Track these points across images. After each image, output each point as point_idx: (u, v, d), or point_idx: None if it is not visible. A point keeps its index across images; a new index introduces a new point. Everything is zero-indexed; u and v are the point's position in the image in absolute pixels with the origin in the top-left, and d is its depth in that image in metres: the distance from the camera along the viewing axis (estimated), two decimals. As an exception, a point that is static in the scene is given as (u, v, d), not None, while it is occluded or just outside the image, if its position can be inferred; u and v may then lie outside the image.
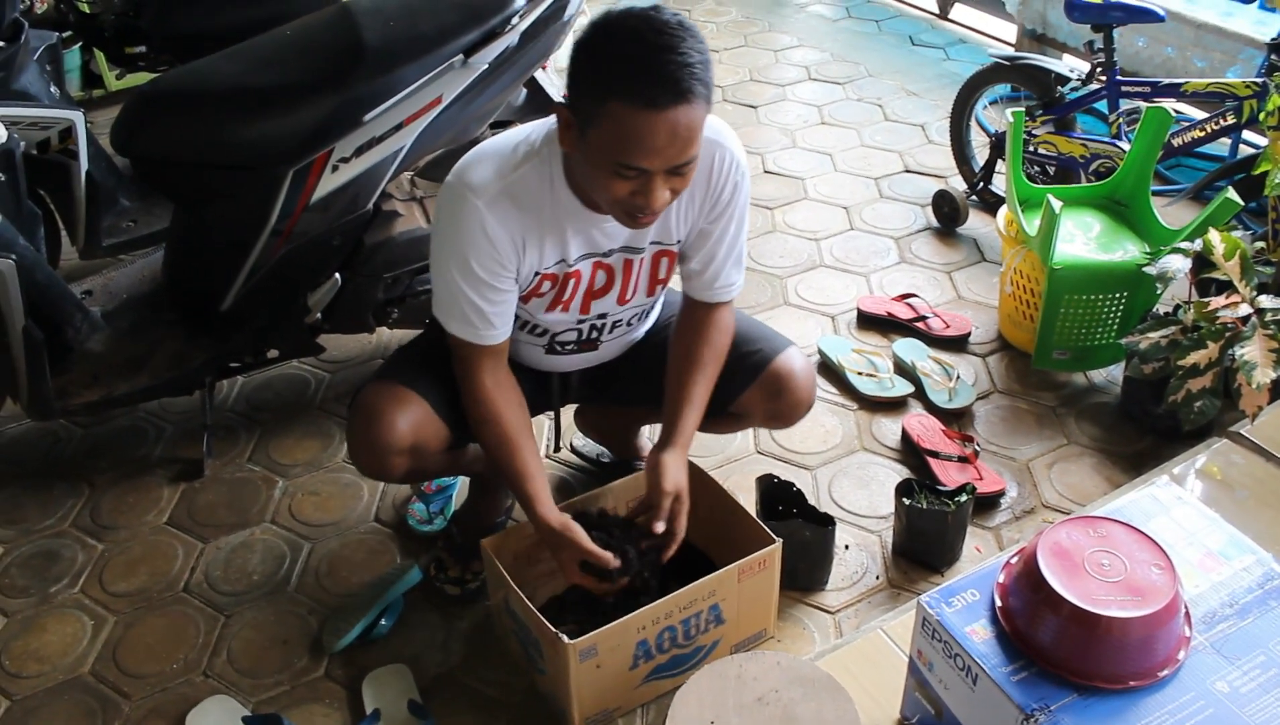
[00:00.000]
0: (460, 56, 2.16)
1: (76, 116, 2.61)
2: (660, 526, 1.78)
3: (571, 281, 1.79)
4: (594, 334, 1.92)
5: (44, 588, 2.19)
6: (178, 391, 2.45)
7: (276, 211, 2.18)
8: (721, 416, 2.03)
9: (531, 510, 1.77)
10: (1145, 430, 2.49)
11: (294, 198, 2.18)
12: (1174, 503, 1.67)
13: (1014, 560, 1.53)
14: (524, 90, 2.54)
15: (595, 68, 1.50)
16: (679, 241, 1.83)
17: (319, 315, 2.40)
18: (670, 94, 1.46)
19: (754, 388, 1.94)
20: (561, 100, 1.58)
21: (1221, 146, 3.26)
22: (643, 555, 1.79)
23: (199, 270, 2.39)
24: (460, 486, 2.34)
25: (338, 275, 2.34)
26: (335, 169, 2.19)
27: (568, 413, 2.31)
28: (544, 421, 2.47)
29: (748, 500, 2.08)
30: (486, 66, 2.22)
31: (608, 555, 1.73)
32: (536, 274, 1.75)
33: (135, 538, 2.31)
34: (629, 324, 1.95)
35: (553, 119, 1.65)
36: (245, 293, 2.31)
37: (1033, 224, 2.57)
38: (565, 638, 1.66)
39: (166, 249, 2.50)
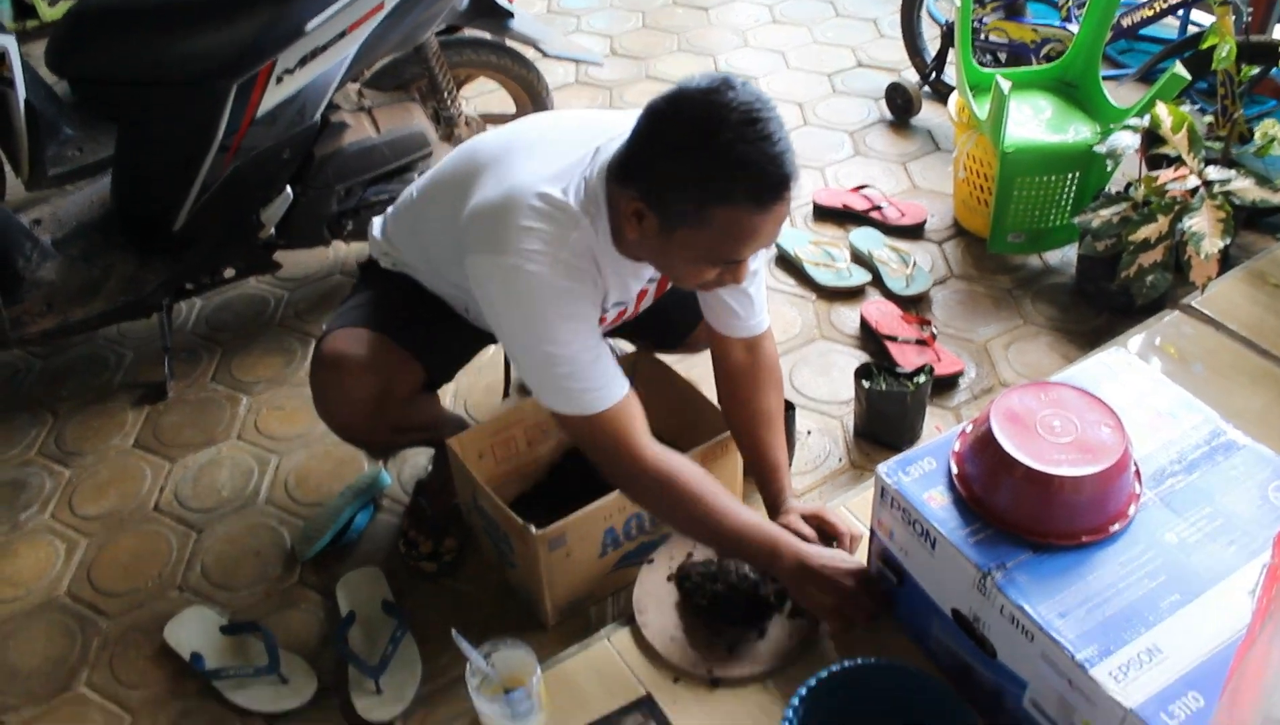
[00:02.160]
0: (401, -41, 2.12)
1: (8, 41, 2.54)
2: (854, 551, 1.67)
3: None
4: None
5: (13, 515, 2.20)
6: (135, 315, 2.43)
7: (222, 127, 2.15)
8: (677, 347, 2.06)
9: (788, 554, 1.56)
10: (1100, 308, 2.52)
11: (239, 112, 2.15)
12: (1123, 368, 1.70)
13: (969, 429, 1.56)
14: (468, -8, 2.50)
15: (684, 172, 1.37)
16: None
17: (273, 231, 2.39)
18: (780, 189, 1.38)
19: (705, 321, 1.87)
20: (630, 194, 1.44)
21: (1171, 30, 3.26)
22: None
23: (147, 192, 2.36)
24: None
25: (289, 189, 2.33)
26: (280, 81, 2.15)
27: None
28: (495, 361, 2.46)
29: (709, 390, 2.09)
30: (428, -31, 2.18)
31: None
32: None
33: (102, 462, 2.31)
34: None
35: (575, 171, 1.52)
36: (196, 212, 2.28)
37: (983, 108, 2.57)
38: (534, 529, 1.68)
39: (113, 172, 2.46)
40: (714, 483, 1.59)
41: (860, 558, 1.65)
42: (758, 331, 1.79)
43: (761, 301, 1.78)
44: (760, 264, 1.76)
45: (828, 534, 1.69)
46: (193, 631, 1.91)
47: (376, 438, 1.87)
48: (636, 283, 1.69)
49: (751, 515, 1.58)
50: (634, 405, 1.57)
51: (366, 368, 1.71)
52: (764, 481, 1.77)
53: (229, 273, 2.51)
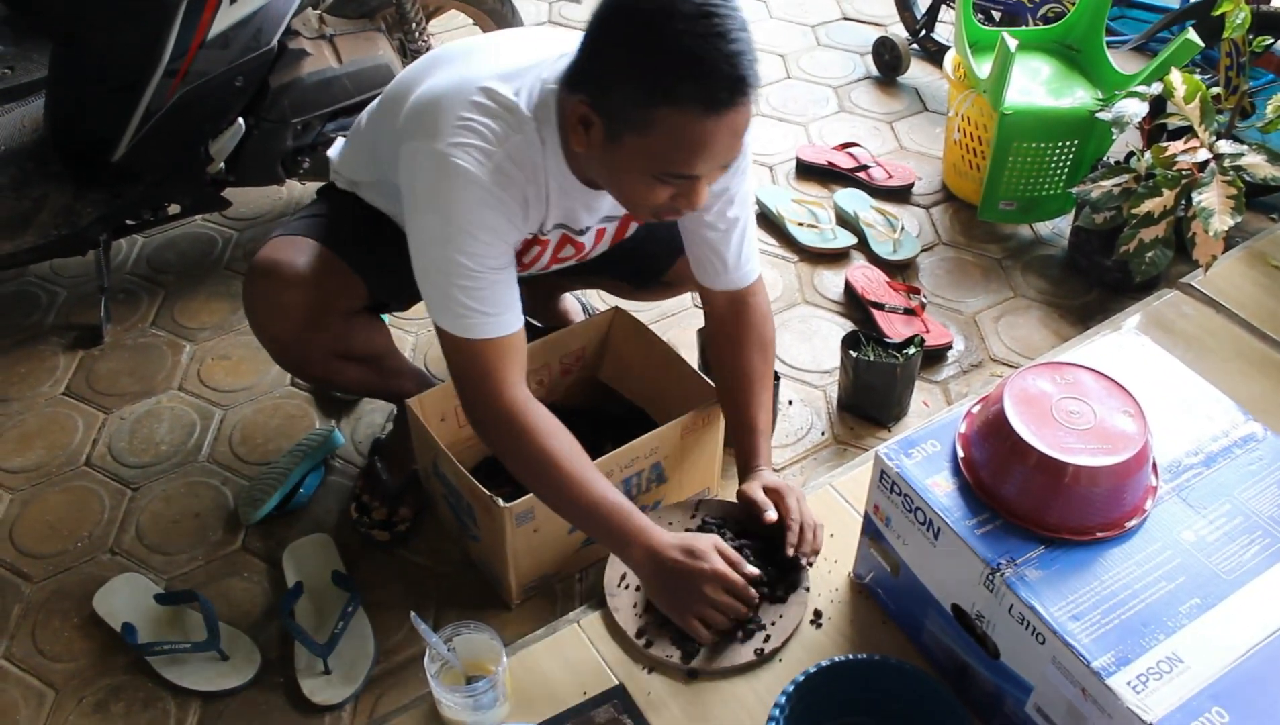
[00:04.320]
0: None
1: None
2: (791, 551, 1.54)
3: (536, 248, 1.60)
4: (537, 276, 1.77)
5: (-72, 464, 2.03)
6: (69, 251, 2.25)
7: (169, 49, 1.98)
8: (655, 286, 1.93)
9: (646, 543, 1.45)
10: (1093, 282, 2.43)
11: (188, 33, 1.98)
12: (1137, 350, 1.60)
13: (976, 409, 1.45)
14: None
15: (631, 66, 1.27)
16: None
17: (222, 165, 2.22)
18: (731, 92, 1.25)
19: (683, 257, 1.76)
20: (578, 98, 1.33)
21: (1170, -1, 3.15)
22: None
23: (85, 117, 2.17)
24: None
25: (241, 121, 2.16)
26: (234, 0, 1.98)
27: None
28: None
29: (689, 355, 1.97)
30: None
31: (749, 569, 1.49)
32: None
33: (29, 410, 2.15)
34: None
35: (531, 72, 1.41)
36: (139, 141, 2.11)
37: (982, 68, 2.45)
38: (501, 501, 1.56)
39: (47, 94, 2.27)
40: (582, 455, 1.48)
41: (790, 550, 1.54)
42: (743, 284, 1.68)
43: (748, 252, 1.66)
44: (744, 211, 1.63)
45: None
46: (125, 600, 1.76)
47: (315, 361, 1.73)
48: (589, 214, 1.58)
49: (615, 494, 1.47)
50: (519, 345, 1.47)
51: (302, 276, 1.59)
52: (738, 444, 1.68)
53: (174, 209, 2.34)
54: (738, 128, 1.30)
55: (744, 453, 1.66)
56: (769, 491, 1.59)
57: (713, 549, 1.47)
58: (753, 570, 1.49)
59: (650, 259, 1.84)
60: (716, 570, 1.45)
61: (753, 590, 1.48)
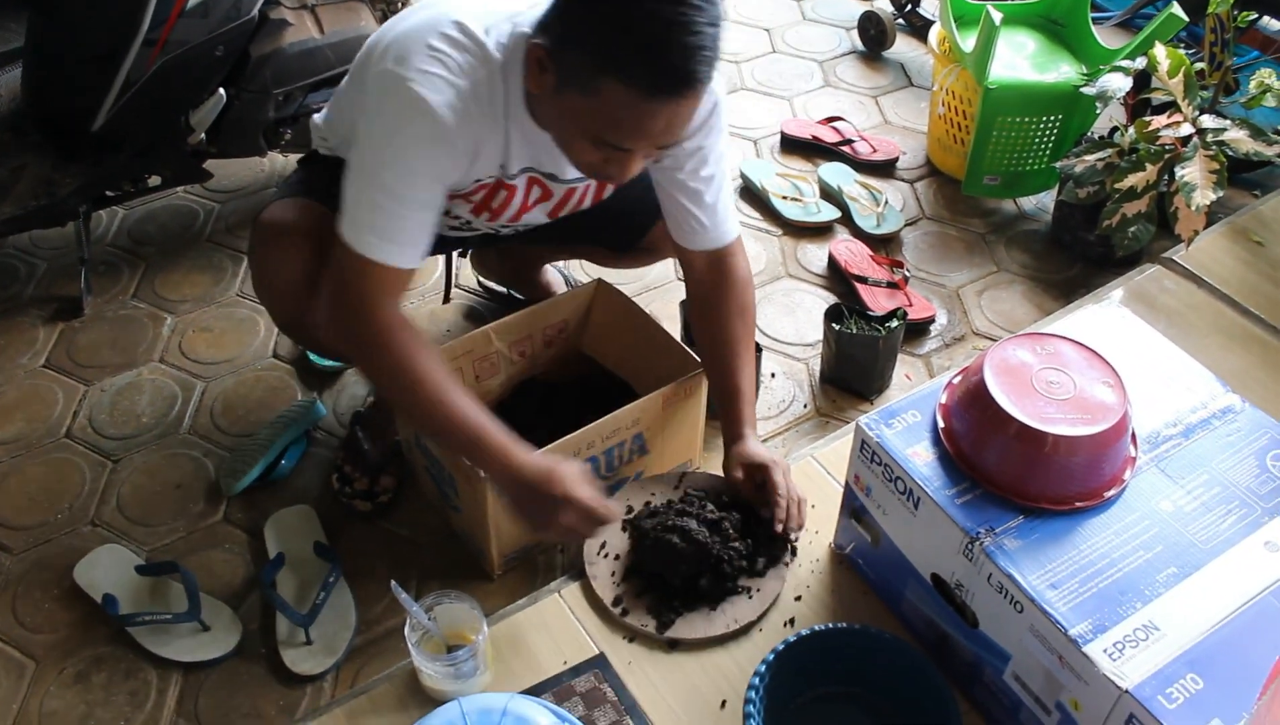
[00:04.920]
0: None
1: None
2: (779, 528, 1.54)
3: (503, 193, 1.59)
4: (514, 235, 1.76)
5: (-94, 436, 2.02)
6: (48, 222, 2.23)
7: (148, 17, 1.96)
8: (633, 252, 1.92)
9: (507, 463, 1.42)
10: (1076, 257, 2.43)
11: (167, 1, 1.96)
12: (1118, 322, 1.61)
13: (956, 380, 1.45)
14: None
15: (592, 28, 1.26)
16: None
17: (203, 136, 2.20)
18: (677, 83, 1.26)
19: (662, 221, 1.75)
20: (539, 41, 1.33)
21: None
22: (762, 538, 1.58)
23: (63, 86, 2.14)
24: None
25: (222, 91, 2.14)
26: (212, -32, 1.97)
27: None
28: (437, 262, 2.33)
29: (672, 328, 1.97)
30: None
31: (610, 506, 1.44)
32: (477, 180, 1.55)
33: (9, 382, 2.13)
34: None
35: (505, 15, 1.42)
36: (118, 110, 2.08)
37: (967, 41, 2.44)
38: (482, 472, 1.55)
39: (24, 63, 2.24)
40: (449, 376, 1.45)
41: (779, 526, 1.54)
42: (720, 243, 1.67)
43: (724, 209, 1.65)
44: (719, 169, 1.62)
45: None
46: (106, 571, 1.76)
47: (317, 323, 1.66)
48: (553, 164, 1.56)
49: (477, 413, 1.44)
50: (405, 283, 1.45)
51: (306, 233, 1.58)
52: (722, 411, 1.67)
53: (154, 181, 2.32)
54: (678, 118, 1.31)
55: (729, 419, 1.65)
56: (755, 467, 1.58)
57: (570, 475, 1.42)
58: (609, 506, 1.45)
59: (630, 222, 1.82)
60: (569, 495, 1.40)
61: (614, 509, 1.43)
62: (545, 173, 1.59)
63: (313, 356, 2.12)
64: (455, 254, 2.20)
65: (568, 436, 1.63)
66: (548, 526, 1.42)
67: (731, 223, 1.67)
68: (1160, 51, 2.13)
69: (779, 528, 1.54)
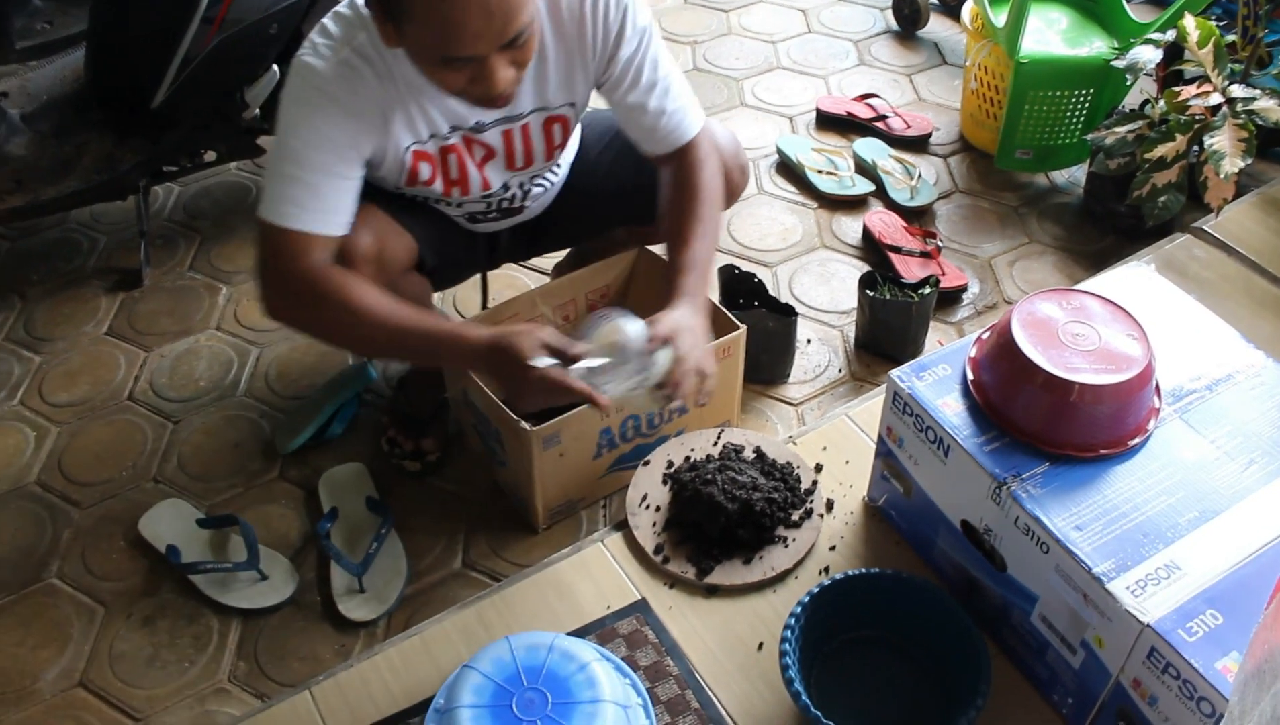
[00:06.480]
0: None
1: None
2: (670, 391, 1.46)
3: (453, 157, 1.59)
4: (510, 203, 1.75)
5: (-20, 400, 2.12)
6: (110, 196, 2.32)
7: (205, -3, 2.04)
8: (654, 225, 1.94)
9: (460, 345, 1.49)
10: (1107, 229, 2.46)
11: (224, -20, 2.04)
12: (1146, 282, 1.65)
13: (986, 335, 1.50)
14: None
15: None
16: (571, 104, 1.61)
17: (257, 112, 2.28)
18: None
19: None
20: None
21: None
22: None
23: (125, 65, 2.23)
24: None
25: (275, 68, 2.21)
26: (267, -51, 2.04)
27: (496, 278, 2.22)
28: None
29: (711, 292, 2.02)
30: None
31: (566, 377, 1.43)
32: (408, 149, 1.53)
33: (74, 348, 2.23)
34: (546, 182, 1.78)
35: None
36: (176, 88, 2.17)
37: (999, 17, 2.48)
38: (527, 426, 1.62)
39: (87, 44, 2.33)
40: (385, 295, 1.49)
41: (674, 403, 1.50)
42: (680, 139, 1.64)
43: (672, 108, 1.62)
44: (656, 74, 1.59)
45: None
46: (169, 524, 1.84)
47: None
48: (472, 114, 1.54)
49: (424, 315, 1.51)
50: (330, 246, 1.47)
51: (361, 226, 1.56)
52: (665, 281, 1.60)
53: (210, 156, 2.41)
54: (489, 6, 1.26)
55: (668, 289, 1.57)
56: (665, 337, 1.47)
57: (519, 345, 1.43)
58: (580, 348, 1.46)
59: (641, 189, 1.79)
60: (524, 368, 1.42)
61: (581, 385, 1.42)
62: (470, 127, 1.58)
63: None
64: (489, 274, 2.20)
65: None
66: (520, 395, 1.48)
67: (690, 118, 1.65)
68: (1190, 22, 2.15)
69: (670, 391, 1.46)
